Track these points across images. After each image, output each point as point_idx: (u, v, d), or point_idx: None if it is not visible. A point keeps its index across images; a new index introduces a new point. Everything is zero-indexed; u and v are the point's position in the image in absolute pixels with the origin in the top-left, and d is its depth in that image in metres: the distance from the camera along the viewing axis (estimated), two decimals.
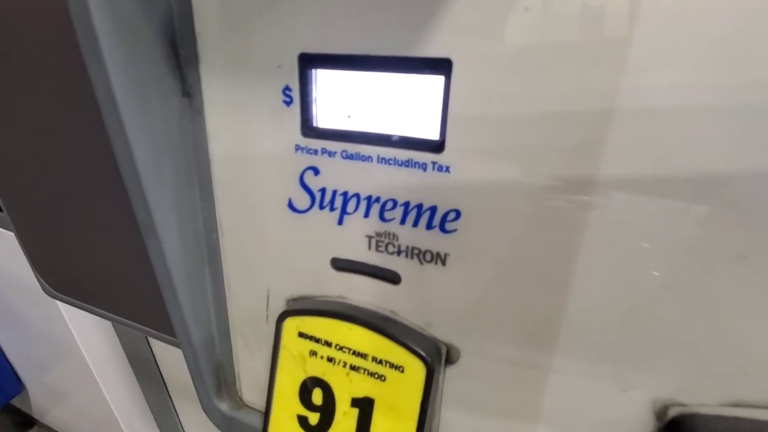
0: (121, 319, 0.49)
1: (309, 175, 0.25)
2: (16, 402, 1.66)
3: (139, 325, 0.47)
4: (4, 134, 0.39)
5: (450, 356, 0.25)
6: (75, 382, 1.47)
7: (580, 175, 0.19)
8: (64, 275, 0.53)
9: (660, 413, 0.21)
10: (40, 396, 1.67)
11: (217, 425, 0.37)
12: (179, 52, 0.26)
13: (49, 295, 0.57)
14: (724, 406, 0.20)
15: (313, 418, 0.27)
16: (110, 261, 0.44)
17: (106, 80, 0.24)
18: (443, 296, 0.24)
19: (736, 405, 0.20)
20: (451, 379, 0.26)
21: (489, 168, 0.21)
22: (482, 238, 0.22)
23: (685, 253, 0.19)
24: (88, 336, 1.37)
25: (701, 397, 0.20)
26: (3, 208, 0.46)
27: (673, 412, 0.21)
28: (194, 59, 0.25)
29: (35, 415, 1.68)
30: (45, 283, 0.56)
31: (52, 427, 1.67)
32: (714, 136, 0.17)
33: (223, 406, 0.35)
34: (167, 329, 0.39)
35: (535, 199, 0.20)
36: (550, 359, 0.23)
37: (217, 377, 0.35)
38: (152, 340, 0.91)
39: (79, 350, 1.38)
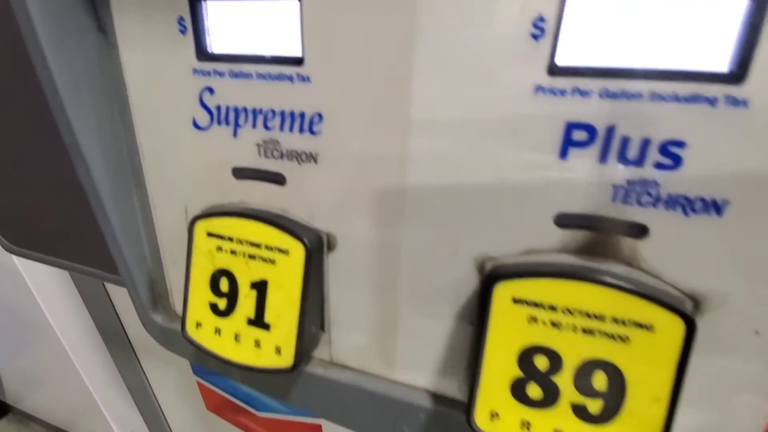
0: (77, 265, 0.53)
1: (206, 94, 0.30)
2: None
3: (91, 269, 0.51)
4: None
5: (330, 243, 0.31)
6: (50, 365, 1.49)
7: (398, 87, 0.25)
8: (20, 229, 0.57)
9: (480, 267, 0.27)
10: (14, 381, 1.68)
11: (156, 338, 0.42)
12: None
13: (7, 250, 0.60)
14: (521, 254, 0.26)
15: (222, 304, 0.32)
16: (60, 209, 0.48)
17: (28, 19, 0.28)
18: (319, 191, 0.30)
19: (529, 252, 0.26)
20: (333, 263, 0.31)
21: (340, 76, 0.26)
22: (342, 136, 0.27)
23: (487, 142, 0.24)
24: (61, 317, 1.39)
25: (505, 251, 0.26)
26: None
27: (488, 265, 0.27)
28: None
29: (9, 402, 1.70)
30: (3, 239, 0.59)
31: (29, 412, 1.69)
32: None
33: (159, 319, 0.41)
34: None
35: (374, 99, 0.26)
36: (403, 234, 0.28)
37: (151, 293, 0.40)
38: (121, 313, 0.95)
39: (53, 331, 1.40)
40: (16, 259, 1.29)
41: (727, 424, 0.25)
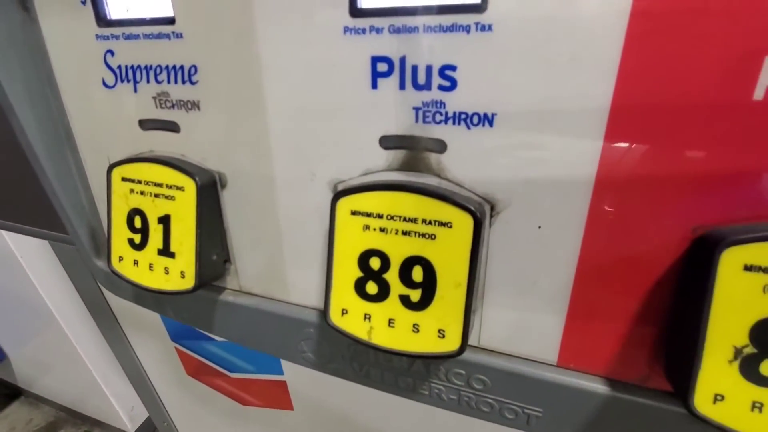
0: (33, 229, 0.59)
1: (109, 57, 0.37)
2: (0, 374, 1.82)
3: (44, 231, 0.57)
4: None
5: (222, 182, 0.37)
6: (56, 351, 1.62)
7: (247, 37, 0.30)
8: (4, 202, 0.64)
9: (334, 188, 0.33)
10: (24, 367, 1.82)
11: (102, 283, 0.50)
12: None
13: None
14: (362, 176, 0.32)
15: (137, 238, 0.39)
16: (13, 177, 0.54)
17: None
18: (206, 135, 0.36)
19: (366, 173, 0.32)
20: (228, 199, 0.38)
21: (204, 30, 0.32)
22: (214, 83, 0.34)
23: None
24: (62, 307, 1.51)
25: (350, 173, 0.32)
26: None
27: (339, 186, 0.33)
28: None
29: (21, 385, 1.84)
30: None
31: (39, 395, 1.83)
32: None
33: (102, 265, 0.48)
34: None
35: (232, 48, 0.32)
36: (273, 168, 0.35)
37: (94, 241, 0.48)
38: (107, 293, 1.03)
39: (56, 320, 1.52)
40: (15, 250, 1.41)
41: (531, 310, 0.31)
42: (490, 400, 0.35)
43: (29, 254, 1.41)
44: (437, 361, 0.35)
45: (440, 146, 0.29)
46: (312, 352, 0.41)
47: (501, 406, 0.35)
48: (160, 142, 0.38)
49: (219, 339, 0.83)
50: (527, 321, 0.32)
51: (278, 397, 0.81)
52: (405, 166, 0.30)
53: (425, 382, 0.37)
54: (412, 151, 0.30)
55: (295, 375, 0.75)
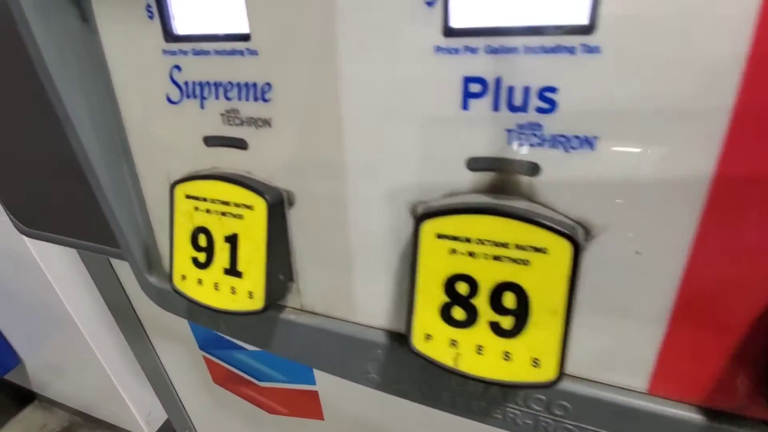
0: (81, 242, 0.61)
1: (175, 72, 0.37)
2: (14, 378, 1.84)
3: (94, 244, 0.59)
4: None
5: (290, 200, 0.38)
6: (72, 353, 1.63)
7: (327, 55, 0.30)
8: (30, 211, 0.65)
9: (413, 211, 0.33)
10: (38, 370, 1.84)
11: (152, 299, 0.50)
12: None
13: (21, 232, 0.69)
14: (446, 196, 0.32)
15: (201, 257, 0.39)
16: (63, 189, 0.56)
17: (25, 20, 0.35)
18: (276, 152, 0.36)
19: (450, 194, 0.32)
20: (295, 218, 0.38)
21: (281, 48, 0.32)
22: (289, 101, 0.34)
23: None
24: (80, 307, 1.53)
25: (432, 195, 0.32)
26: None
27: (420, 209, 0.33)
28: None
29: (34, 389, 1.87)
30: (17, 221, 0.68)
31: (53, 399, 1.86)
32: None
33: (154, 281, 0.48)
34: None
35: (310, 66, 0.32)
36: (347, 187, 0.35)
37: (146, 258, 0.48)
38: (131, 296, 1.05)
39: (73, 321, 1.53)
40: (35, 252, 1.42)
41: (622, 337, 0.31)
42: (570, 426, 0.35)
43: (48, 256, 1.42)
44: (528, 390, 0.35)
45: (533, 169, 0.29)
46: (378, 373, 0.41)
47: None
48: (226, 159, 0.39)
49: (250, 348, 0.83)
50: (618, 348, 0.31)
51: (309, 406, 0.82)
52: (492, 189, 0.30)
53: (500, 407, 0.37)
54: (501, 174, 0.30)
55: (327, 385, 0.76)
